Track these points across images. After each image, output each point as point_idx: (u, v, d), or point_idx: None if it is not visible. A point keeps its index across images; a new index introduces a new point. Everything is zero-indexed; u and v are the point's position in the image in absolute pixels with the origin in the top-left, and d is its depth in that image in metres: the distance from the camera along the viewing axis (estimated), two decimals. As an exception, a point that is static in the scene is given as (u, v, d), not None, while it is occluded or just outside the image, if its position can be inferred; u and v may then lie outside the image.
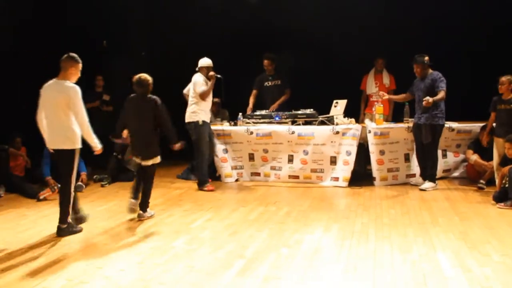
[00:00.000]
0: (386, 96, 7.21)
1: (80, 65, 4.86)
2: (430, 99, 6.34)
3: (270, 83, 8.33)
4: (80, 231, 4.86)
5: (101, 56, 8.88)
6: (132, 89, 5.42)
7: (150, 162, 5.35)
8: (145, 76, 5.35)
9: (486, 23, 8.02)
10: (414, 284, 3.37)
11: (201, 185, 7.04)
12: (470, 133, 7.36)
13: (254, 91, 8.38)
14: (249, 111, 8.07)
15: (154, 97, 5.34)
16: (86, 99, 8.90)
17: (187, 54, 7.34)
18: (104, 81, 8.98)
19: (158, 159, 5.41)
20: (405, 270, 3.63)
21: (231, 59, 8.83)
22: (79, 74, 4.89)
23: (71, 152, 4.75)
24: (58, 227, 4.76)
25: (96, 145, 4.93)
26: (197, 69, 7.09)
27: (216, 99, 8.53)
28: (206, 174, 7.11)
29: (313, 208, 5.74)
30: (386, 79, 8.17)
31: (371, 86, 8.27)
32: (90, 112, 8.65)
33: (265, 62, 8.21)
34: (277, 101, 8.22)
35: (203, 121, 6.99)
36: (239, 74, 8.52)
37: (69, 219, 4.82)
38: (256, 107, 8.14)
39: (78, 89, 4.75)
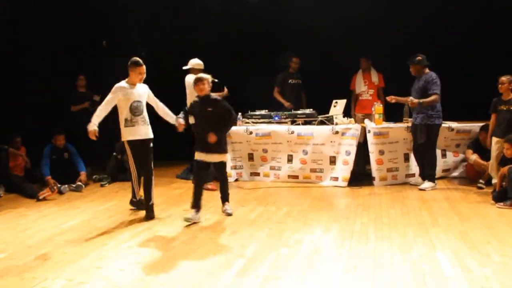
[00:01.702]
0: (394, 100, 7.09)
1: (140, 68, 5.44)
2: (415, 100, 6.45)
3: (293, 81, 8.60)
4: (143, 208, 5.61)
5: (87, 55, 8.85)
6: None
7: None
8: None
9: (486, 22, 8.01)
10: (414, 284, 3.37)
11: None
12: (470, 133, 7.36)
13: (277, 89, 8.66)
14: (290, 106, 8.29)
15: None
16: (72, 101, 8.76)
17: (187, 54, 7.33)
18: (87, 80, 8.71)
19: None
20: (405, 270, 3.63)
21: (231, 59, 8.84)
22: (140, 74, 5.47)
23: (123, 143, 5.59)
24: (130, 200, 5.83)
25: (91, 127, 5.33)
26: (185, 68, 7.04)
27: None
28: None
29: (313, 208, 5.74)
30: (375, 77, 8.28)
31: (359, 85, 8.39)
32: (80, 115, 8.50)
33: (295, 59, 8.50)
34: (297, 99, 8.51)
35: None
36: (238, 74, 8.54)
37: (138, 197, 5.71)
38: (256, 106, 8.12)
39: (116, 85, 5.44)
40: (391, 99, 6.96)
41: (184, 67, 7.06)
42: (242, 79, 8.36)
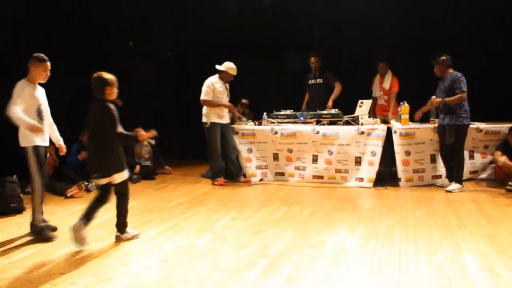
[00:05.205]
0: (421, 113, 6.90)
1: (45, 64, 4.75)
2: (437, 99, 6.44)
3: (313, 81, 8.53)
4: None
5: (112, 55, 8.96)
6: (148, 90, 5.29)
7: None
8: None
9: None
10: (440, 287, 3.32)
11: (212, 179, 7.45)
12: (499, 134, 7.20)
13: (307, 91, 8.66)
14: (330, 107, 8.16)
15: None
16: None
17: (213, 55, 7.40)
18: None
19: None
20: (430, 273, 3.58)
21: (255, 60, 8.87)
22: (41, 73, 4.75)
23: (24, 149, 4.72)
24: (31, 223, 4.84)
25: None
26: (219, 68, 7.18)
27: (244, 100, 8.57)
28: (217, 170, 7.40)
29: (337, 208, 5.71)
30: (387, 83, 8.05)
31: (376, 89, 8.28)
32: None
33: (312, 59, 8.35)
34: (319, 99, 8.31)
35: (212, 123, 7.24)
36: (263, 75, 8.57)
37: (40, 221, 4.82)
38: (281, 106, 8.11)
39: (18, 84, 4.64)
40: (418, 116, 6.81)
41: (218, 67, 7.16)
42: (266, 80, 8.39)
